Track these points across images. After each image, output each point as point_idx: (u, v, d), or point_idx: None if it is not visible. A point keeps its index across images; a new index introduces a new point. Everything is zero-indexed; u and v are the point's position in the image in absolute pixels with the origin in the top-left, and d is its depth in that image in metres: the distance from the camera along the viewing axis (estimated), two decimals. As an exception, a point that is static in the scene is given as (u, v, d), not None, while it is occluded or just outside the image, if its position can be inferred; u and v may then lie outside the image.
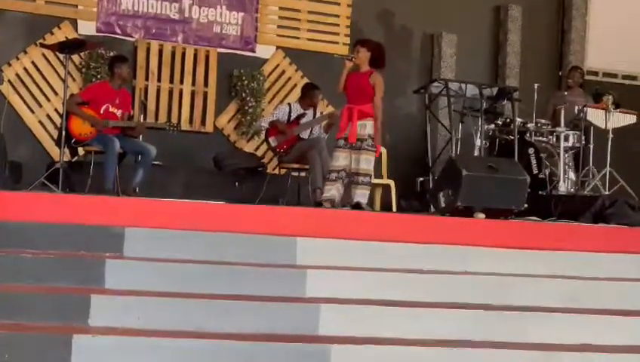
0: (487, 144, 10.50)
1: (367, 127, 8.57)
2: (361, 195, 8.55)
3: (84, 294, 5.37)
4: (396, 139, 11.36)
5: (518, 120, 10.32)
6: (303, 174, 10.03)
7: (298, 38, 11.70)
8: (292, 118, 10.02)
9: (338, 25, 11.88)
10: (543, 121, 10.50)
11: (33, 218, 6.13)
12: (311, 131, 9.99)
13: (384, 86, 8.61)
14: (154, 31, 11.00)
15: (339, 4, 11.92)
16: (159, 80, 10.97)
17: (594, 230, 8.10)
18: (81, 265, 5.76)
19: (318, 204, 8.65)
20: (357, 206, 8.50)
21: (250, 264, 6.06)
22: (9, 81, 10.21)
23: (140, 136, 9.25)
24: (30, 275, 5.59)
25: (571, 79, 11.11)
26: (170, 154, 10.02)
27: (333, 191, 8.55)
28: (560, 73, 12.82)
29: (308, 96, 10.12)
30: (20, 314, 5.23)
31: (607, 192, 10.04)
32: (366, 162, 8.58)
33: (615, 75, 13.42)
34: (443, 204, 8.49)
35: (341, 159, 8.60)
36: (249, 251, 6.20)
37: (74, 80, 10.45)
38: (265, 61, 11.54)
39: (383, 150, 10.66)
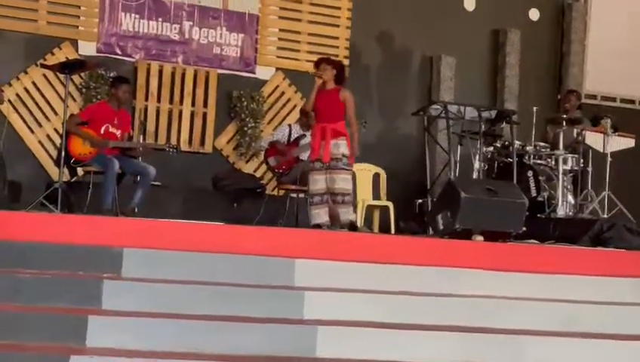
0: (486, 166, 10.50)
1: (340, 147, 8.62)
2: (345, 213, 8.59)
3: (81, 314, 5.36)
4: (395, 161, 11.37)
5: (517, 143, 10.33)
6: (301, 195, 10.04)
7: (298, 59, 11.74)
8: (292, 139, 10.04)
9: (337, 47, 11.92)
10: (542, 143, 10.52)
11: (31, 238, 6.13)
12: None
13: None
14: (154, 52, 11.04)
15: (338, 26, 11.97)
16: (159, 100, 10.99)
17: (592, 253, 8.09)
18: (78, 285, 5.76)
19: (314, 227, 8.66)
20: (352, 226, 8.55)
21: (248, 285, 6.06)
22: (9, 100, 10.23)
23: (140, 157, 9.26)
24: (28, 295, 5.59)
25: (568, 103, 11.14)
26: (169, 174, 10.03)
27: (322, 215, 8.59)
28: (559, 96, 12.85)
29: (304, 116, 10.15)
30: (17, 334, 5.22)
31: (605, 216, 10.03)
32: (343, 181, 8.64)
33: (613, 99, 13.45)
34: (441, 226, 8.49)
35: (321, 182, 8.62)
36: (247, 272, 6.20)
37: (74, 100, 10.48)
38: (264, 82, 11.57)
39: (382, 171, 10.70)
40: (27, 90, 10.46)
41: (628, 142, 10.54)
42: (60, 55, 10.46)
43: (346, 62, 11.58)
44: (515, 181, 9.78)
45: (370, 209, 10.48)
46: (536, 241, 9.02)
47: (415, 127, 11.89)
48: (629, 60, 13.29)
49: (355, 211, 9.09)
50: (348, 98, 8.72)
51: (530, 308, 6.47)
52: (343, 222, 8.62)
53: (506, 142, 10.46)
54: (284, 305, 5.91)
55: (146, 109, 10.89)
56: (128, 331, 5.35)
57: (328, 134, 8.58)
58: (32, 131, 10.46)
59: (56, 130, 10.34)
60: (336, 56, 11.59)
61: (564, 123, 10.31)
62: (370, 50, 12.13)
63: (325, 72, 8.73)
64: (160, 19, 11.07)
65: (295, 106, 11.43)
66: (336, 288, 6.26)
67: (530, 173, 10.17)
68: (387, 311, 6.09)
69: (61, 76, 9.94)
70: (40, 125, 10.48)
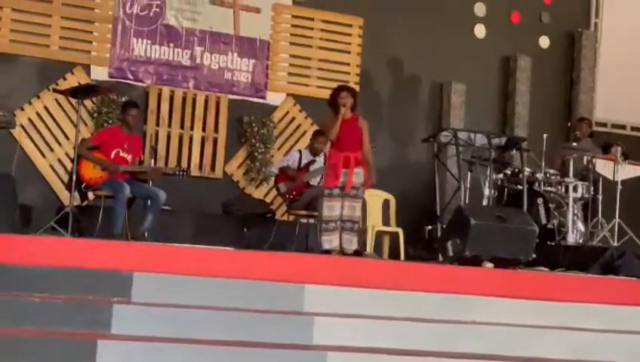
0: (496, 193, 10.50)
1: (360, 176, 8.76)
2: (352, 242, 8.65)
3: (90, 339, 5.36)
4: (405, 187, 11.37)
5: (527, 170, 10.32)
6: (311, 221, 10.04)
7: (308, 85, 11.77)
8: (302, 164, 10.06)
9: (348, 73, 11.96)
10: (552, 171, 10.51)
11: (42, 262, 6.14)
12: (321, 178, 10.02)
13: None
14: (165, 77, 11.09)
15: (349, 52, 12.01)
16: (170, 125, 11.03)
17: (603, 282, 8.07)
18: (88, 309, 5.76)
19: (324, 252, 8.66)
20: (357, 253, 8.56)
21: (257, 310, 6.05)
22: (21, 125, 10.27)
23: (150, 181, 9.29)
24: (38, 319, 5.60)
25: (579, 130, 11.15)
26: (179, 199, 10.03)
27: (334, 241, 8.60)
28: (569, 124, 12.86)
29: (315, 141, 10.18)
30: (27, 358, 5.22)
31: (616, 243, 10.01)
32: (359, 209, 8.76)
33: (624, 127, 13.45)
34: (451, 253, 8.49)
35: (337, 208, 8.65)
36: (257, 297, 6.19)
37: (86, 125, 10.52)
38: (275, 108, 11.60)
39: (392, 197, 10.70)
40: (39, 115, 10.50)
41: (638, 171, 10.53)
42: (72, 80, 10.51)
43: (356, 87, 11.63)
44: (525, 208, 9.77)
45: (379, 235, 10.47)
46: (546, 269, 9.01)
47: (425, 154, 11.89)
48: (639, 88, 13.29)
49: (363, 237, 9.09)
50: (365, 126, 8.85)
51: (541, 336, 6.45)
52: (356, 250, 8.64)
53: (516, 169, 10.46)
54: (293, 331, 5.90)
55: (157, 134, 10.93)
56: (138, 355, 5.35)
57: (352, 163, 8.65)
58: (44, 155, 10.49)
59: (67, 154, 10.38)
60: (347, 82, 11.64)
61: (575, 151, 10.31)
62: (380, 76, 12.16)
63: (348, 101, 8.77)
64: (172, 44, 11.13)
65: (305, 132, 11.45)
66: (346, 314, 6.25)
67: (540, 201, 10.16)
68: (396, 337, 6.08)
69: (73, 101, 9.97)
70: (51, 149, 10.52)
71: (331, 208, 8.67)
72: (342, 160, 8.66)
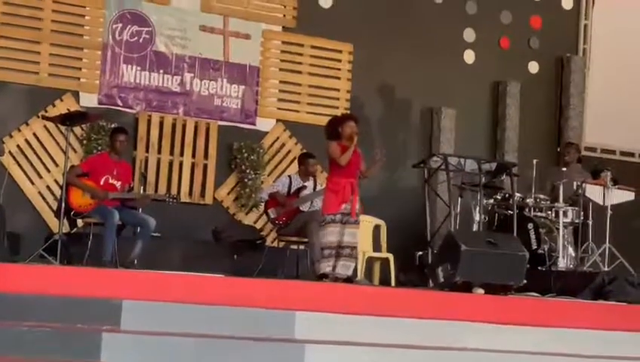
0: (487, 219, 10.51)
1: (359, 202, 8.70)
2: (349, 267, 8.66)
3: (80, 368, 5.33)
4: (395, 213, 11.36)
5: (517, 195, 10.34)
6: (302, 247, 10.02)
7: (298, 111, 11.79)
8: (292, 190, 10.05)
9: (338, 98, 11.98)
10: (542, 196, 10.53)
11: (31, 290, 6.10)
12: (311, 204, 10.01)
13: None
14: (155, 103, 11.08)
15: (339, 78, 12.03)
16: (159, 152, 11.02)
17: (594, 307, 8.06)
18: (77, 337, 5.71)
19: (319, 277, 8.63)
20: (348, 279, 8.54)
21: (248, 338, 6.02)
22: (10, 152, 10.24)
23: (140, 208, 9.27)
24: (27, 348, 5.55)
25: (567, 155, 11.18)
26: (169, 226, 10.01)
27: (331, 267, 8.58)
28: (558, 149, 12.89)
29: (302, 164, 10.20)
30: (15, 388, 5.19)
31: (606, 269, 10.02)
32: (357, 236, 8.78)
33: (613, 152, 13.49)
34: (442, 279, 8.47)
35: (336, 234, 8.65)
36: (247, 325, 6.16)
37: (75, 151, 10.49)
38: (265, 134, 11.60)
39: (383, 223, 10.69)
40: (28, 142, 10.47)
41: (628, 195, 10.55)
42: (62, 107, 10.49)
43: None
44: (515, 233, 9.78)
45: (370, 261, 10.46)
46: (537, 294, 9.00)
47: (416, 179, 11.88)
48: (628, 113, 13.36)
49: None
50: (361, 154, 8.87)
51: (531, 361, 6.43)
52: (349, 276, 8.61)
53: (507, 195, 10.48)
54: (284, 358, 5.87)
55: (146, 160, 10.91)
56: (127, 384, 5.31)
57: (357, 190, 8.69)
58: (33, 182, 10.45)
59: (56, 181, 10.34)
60: (337, 108, 11.67)
61: (564, 175, 10.34)
62: (370, 102, 12.19)
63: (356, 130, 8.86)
64: (161, 70, 11.13)
65: (295, 158, 11.44)
66: (337, 341, 6.22)
67: (530, 226, 10.18)
68: (388, 364, 6.05)
69: (62, 128, 9.97)
70: (40, 176, 10.48)
71: (330, 234, 8.67)
72: (349, 186, 8.70)
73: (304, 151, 11.39)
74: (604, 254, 10.11)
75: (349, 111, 11.56)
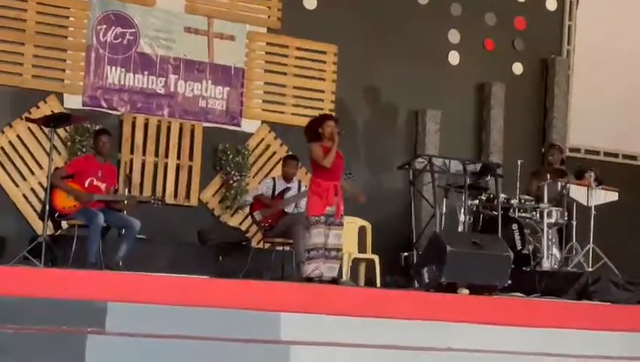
0: (471, 219, 10.53)
1: (342, 203, 8.74)
2: (334, 269, 8.68)
3: (65, 370, 5.31)
4: (381, 214, 11.37)
5: (502, 196, 10.36)
6: (287, 248, 10.02)
7: (283, 112, 11.78)
8: (277, 192, 10.04)
9: (323, 100, 11.98)
10: (527, 197, 10.55)
11: (15, 292, 6.07)
12: (295, 205, 10.01)
13: None
14: (140, 105, 11.06)
15: (324, 79, 12.03)
16: (144, 153, 10.99)
17: (578, 307, 8.09)
18: (62, 340, 5.70)
19: (305, 279, 8.63)
20: (334, 281, 8.54)
21: (233, 339, 6.02)
22: (-7, 154, 10.21)
23: (125, 210, 9.24)
24: (11, 351, 5.53)
25: (551, 156, 11.20)
26: (154, 227, 9.99)
27: (320, 269, 8.59)
28: (543, 150, 12.93)
29: (284, 166, 10.20)
30: (-1, 390, 5.17)
31: (590, 269, 10.05)
32: (342, 237, 8.79)
33: (597, 152, 13.54)
34: (427, 280, 8.49)
35: (321, 236, 8.66)
36: (233, 326, 6.16)
37: (59, 153, 10.46)
38: (250, 135, 11.59)
39: (368, 224, 10.69)
40: (12, 144, 10.43)
41: (612, 196, 10.58)
42: (46, 108, 10.46)
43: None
44: (500, 234, 9.80)
45: (355, 262, 10.46)
46: (521, 295, 9.02)
47: (401, 181, 11.91)
48: (612, 114, 13.41)
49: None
50: (342, 156, 8.89)
51: (516, 361, 6.44)
52: (334, 278, 8.63)
53: (491, 195, 10.50)
54: (270, 359, 5.87)
55: (131, 162, 10.89)
56: (112, 387, 5.30)
57: (340, 192, 8.69)
58: (17, 185, 10.41)
59: (40, 183, 10.30)
60: (322, 109, 11.66)
61: (548, 176, 10.36)
62: (356, 104, 12.19)
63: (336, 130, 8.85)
64: (146, 72, 11.11)
65: (280, 160, 11.43)
66: (323, 342, 6.22)
67: (515, 226, 10.20)
68: (373, 365, 6.05)
69: (46, 130, 9.94)
70: (24, 179, 10.44)
71: (316, 235, 8.67)
72: (332, 188, 8.70)
73: (289, 152, 11.41)
74: (588, 254, 10.14)
75: (333, 113, 11.56)
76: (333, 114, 10.84)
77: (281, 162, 10.91)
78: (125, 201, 9.26)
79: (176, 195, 11.07)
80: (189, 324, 6.11)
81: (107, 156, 9.35)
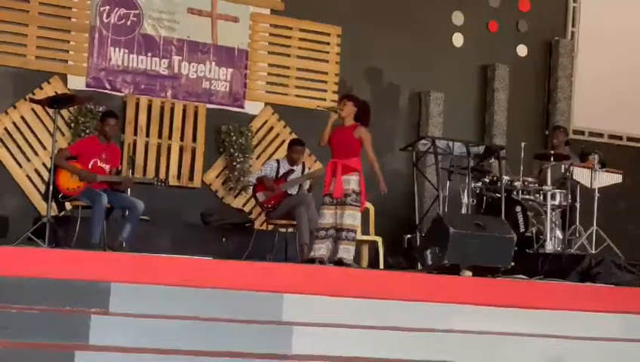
0: (475, 202, 10.52)
1: (350, 182, 8.58)
2: (344, 251, 8.52)
3: (68, 350, 5.33)
4: (383, 196, 11.27)
5: (505, 178, 10.35)
6: (290, 230, 10.03)
7: (287, 94, 11.77)
8: (280, 174, 10.05)
9: (326, 82, 11.96)
10: (530, 179, 10.55)
11: (19, 273, 6.10)
12: (299, 187, 10.02)
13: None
14: (143, 86, 11.05)
15: (327, 61, 12.01)
16: (148, 135, 10.99)
17: (581, 289, 8.10)
18: (66, 320, 5.72)
19: (308, 261, 8.62)
20: (339, 262, 8.48)
21: (236, 320, 6.04)
22: (-3, 136, 10.22)
23: (128, 191, 9.25)
24: (15, 331, 5.55)
25: (555, 138, 11.18)
26: (157, 209, 10.00)
27: (323, 250, 8.53)
28: (546, 132, 12.91)
29: (290, 151, 10.18)
30: (3, 370, 5.19)
31: (593, 251, 10.05)
32: (350, 217, 8.58)
33: (601, 135, 13.53)
34: (430, 262, 8.49)
35: (328, 216, 8.59)
36: (235, 307, 6.18)
37: (63, 135, 10.47)
38: (253, 117, 11.58)
39: (371, 206, 10.68)
40: (16, 125, 10.43)
41: (615, 178, 10.58)
42: (49, 89, 10.45)
43: (334, 97, 11.62)
44: (503, 216, 9.80)
45: (358, 244, 10.45)
46: (524, 277, 9.03)
47: (404, 163, 11.90)
48: (616, 97, 13.38)
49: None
50: (364, 135, 8.68)
51: (519, 343, 6.47)
52: (338, 258, 8.54)
53: (495, 178, 10.49)
54: (272, 340, 5.89)
55: (134, 144, 10.89)
56: (115, 367, 5.32)
57: (339, 170, 8.57)
58: (20, 165, 10.42)
59: (44, 164, 10.32)
60: (325, 91, 11.65)
61: (552, 159, 10.35)
62: (359, 86, 12.15)
63: (345, 108, 8.74)
64: (149, 54, 11.10)
65: (284, 141, 11.43)
66: (325, 323, 6.24)
67: (518, 209, 10.20)
68: (376, 346, 6.07)
69: (50, 111, 9.93)
70: (28, 159, 10.45)
71: (322, 216, 8.61)
72: (330, 167, 8.65)
73: (292, 133, 11.40)
74: (591, 237, 10.15)
75: (336, 95, 11.55)
76: (330, 93, 10.79)
77: (284, 143, 10.91)
78: (126, 182, 9.26)
79: (179, 177, 11.08)
80: (192, 305, 6.13)
81: (112, 138, 9.36)
